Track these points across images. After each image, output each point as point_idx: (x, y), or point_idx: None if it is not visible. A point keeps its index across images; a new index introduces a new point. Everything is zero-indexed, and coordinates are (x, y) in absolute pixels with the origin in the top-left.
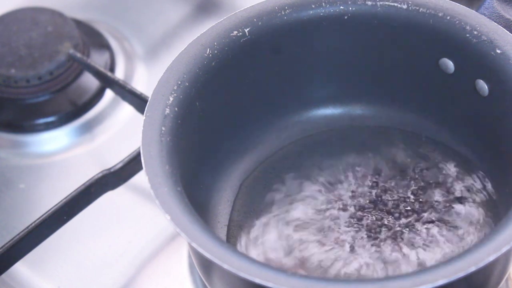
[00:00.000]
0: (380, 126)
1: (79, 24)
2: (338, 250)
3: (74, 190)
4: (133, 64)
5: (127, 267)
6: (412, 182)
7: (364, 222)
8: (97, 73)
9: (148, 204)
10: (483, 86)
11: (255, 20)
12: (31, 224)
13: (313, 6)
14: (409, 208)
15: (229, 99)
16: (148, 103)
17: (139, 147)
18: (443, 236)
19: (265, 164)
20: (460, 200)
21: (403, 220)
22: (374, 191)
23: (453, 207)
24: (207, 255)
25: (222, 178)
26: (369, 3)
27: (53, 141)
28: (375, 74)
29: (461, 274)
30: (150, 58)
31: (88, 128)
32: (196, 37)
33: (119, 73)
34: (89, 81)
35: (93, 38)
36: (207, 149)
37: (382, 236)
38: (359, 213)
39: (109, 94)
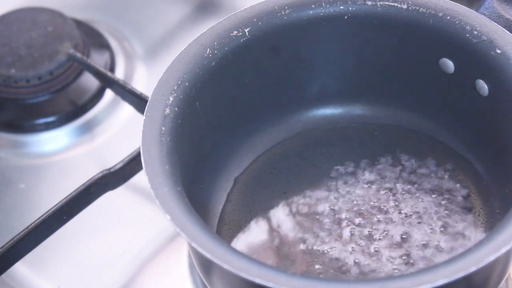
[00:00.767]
0: (380, 126)
1: (79, 24)
2: (336, 247)
3: (74, 190)
4: (133, 64)
5: (127, 267)
6: (412, 181)
7: (363, 221)
8: (97, 73)
9: (148, 204)
10: (483, 86)
11: (255, 20)
12: (31, 224)
13: (313, 6)
14: (409, 208)
15: (229, 99)
16: (148, 103)
17: (139, 147)
18: (441, 235)
19: (265, 164)
20: (460, 199)
21: (401, 220)
22: (373, 191)
23: (453, 207)
24: (207, 255)
25: (222, 178)
26: (369, 3)
27: (53, 141)
28: (375, 74)
29: (461, 274)
30: (150, 58)
31: (88, 128)
32: (196, 37)
33: (119, 73)
34: (89, 81)
35: (93, 38)
36: (207, 149)
37: (378, 236)
38: (357, 212)
39: (109, 94)
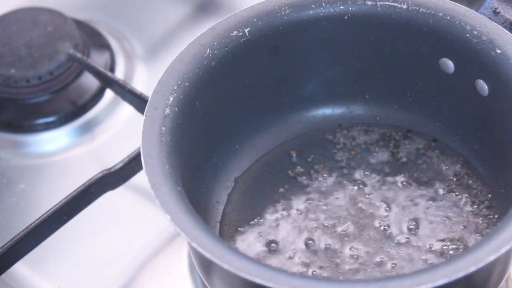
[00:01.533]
0: (380, 126)
1: (79, 24)
2: (336, 246)
3: (74, 190)
4: (133, 64)
5: (127, 267)
6: (412, 181)
7: (363, 221)
8: (97, 73)
9: (148, 204)
10: (483, 86)
11: (255, 20)
12: (31, 224)
13: (313, 6)
14: (408, 207)
15: (229, 99)
16: (148, 103)
17: (139, 147)
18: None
19: (265, 163)
20: (459, 199)
21: (402, 219)
22: (374, 191)
23: (452, 207)
24: (207, 255)
25: (222, 178)
26: (369, 3)
27: (53, 141)
28: (375, 74)
29: (461, 274)
30: (150, 58)
31: (88, 128)
32: (196, 37)
33: (119, 73)
34: (89, 81)
35: (93, 38)
36: (207, 149)
37: (382, 227)
38: (357, 211)
39: (109, 94)
